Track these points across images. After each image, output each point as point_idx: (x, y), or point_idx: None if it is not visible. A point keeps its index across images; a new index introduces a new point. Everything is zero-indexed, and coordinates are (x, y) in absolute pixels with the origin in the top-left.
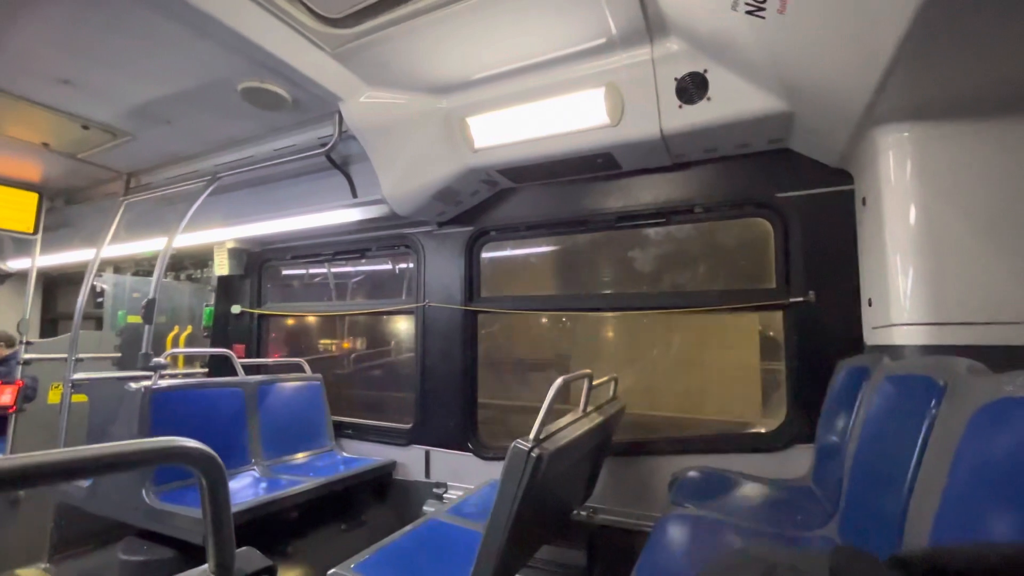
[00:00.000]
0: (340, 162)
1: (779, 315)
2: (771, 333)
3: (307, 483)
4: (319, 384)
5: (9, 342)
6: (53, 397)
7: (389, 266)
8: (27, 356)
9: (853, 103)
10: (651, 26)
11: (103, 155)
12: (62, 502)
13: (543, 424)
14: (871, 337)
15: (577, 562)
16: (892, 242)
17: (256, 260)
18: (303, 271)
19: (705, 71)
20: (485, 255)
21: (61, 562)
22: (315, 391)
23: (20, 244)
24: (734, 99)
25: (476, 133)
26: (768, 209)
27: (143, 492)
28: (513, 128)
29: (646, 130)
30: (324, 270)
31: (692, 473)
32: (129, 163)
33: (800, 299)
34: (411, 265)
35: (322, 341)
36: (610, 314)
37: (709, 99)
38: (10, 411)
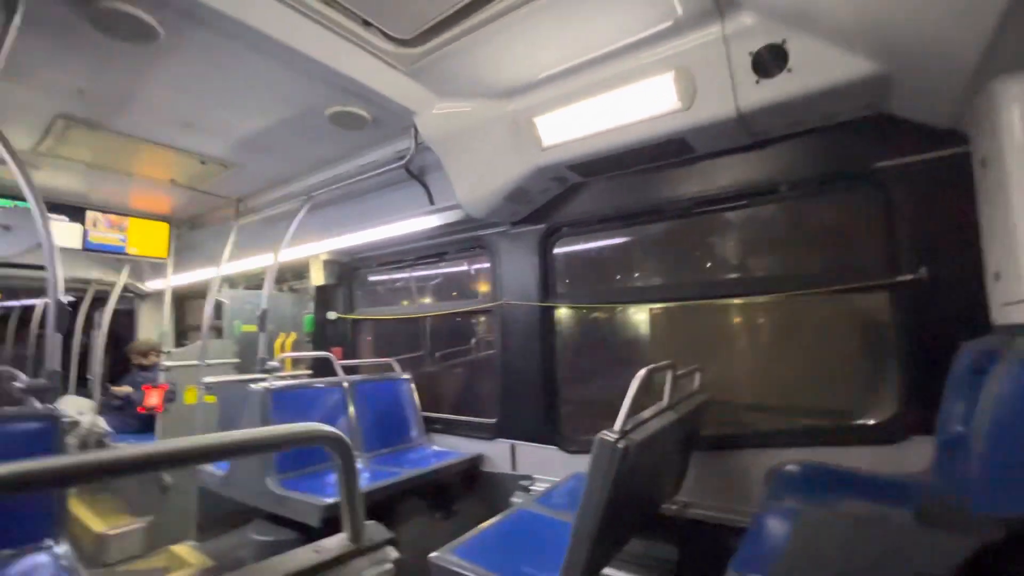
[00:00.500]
0: (417, 172)
1: (884, 296)
2: (875, 316)
3: (404, 473)
4: (408, 382)
5: (156, 350)
6: (188, 398)
7: (466, 267)
8: (167, 363)
9: (965, 53)
10: (721, 2)
11: (217, 185)
12: (202, 488)
13: (628, 416)
14: (1001, 315)
15: (668, 556)
16: (1021, 206)
17: (347, 269)
18: (388, 276)
19: (784, 41)
20: (559, 251)
21: (205, 540)
22: (405, 388)
23: (155, 267)
24: (819, 67)
25: (544, 132)
26: (866, 181)
27: (267, 480)
28: (580, 123)
29: (721, 110)
30: (406, 275)
31: (791, 467)
32: (238, 190)
33: (910, 277)
34: (487, 265)
35: (407, 341)
36: (691, 304)
37: (790, 70)
38: (158, 411)
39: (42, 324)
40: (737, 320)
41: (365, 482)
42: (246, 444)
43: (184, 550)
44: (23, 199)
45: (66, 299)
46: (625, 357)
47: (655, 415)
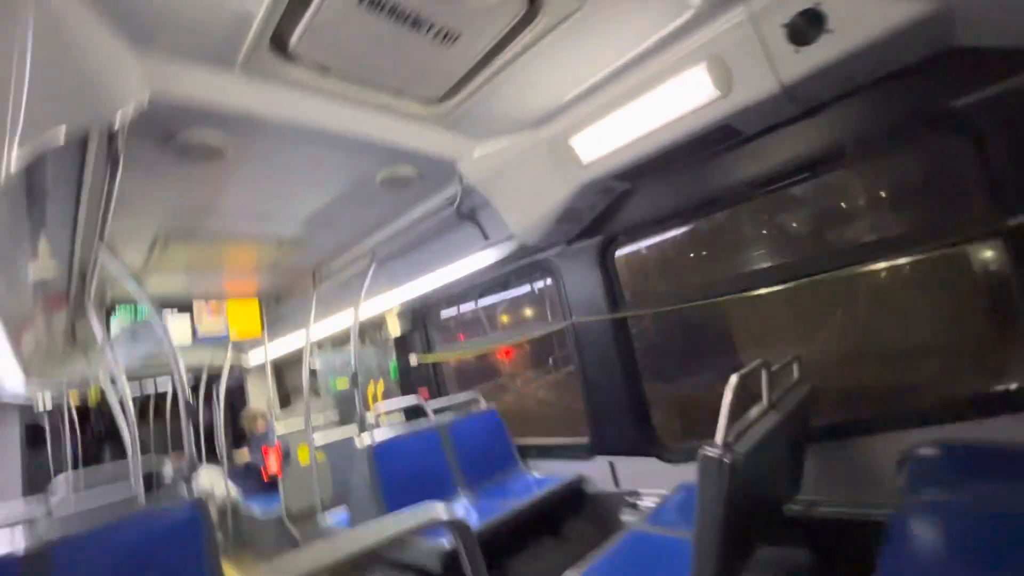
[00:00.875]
0: (468, 213)
1: (997, 245)
2: (989, 269)
3: (510, 505)
4: (495, 413)
5: (264, 416)
6: (302, 458)
7: (529, 288)
8: (279, 430)
9: None
10: None
11: (294, 261)
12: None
13: (728, 425)
14: None
15: (800, 559)
16: None
17: (419, 314)
18: (456, 310)
19: (818, 3)
20: (621, 254)
21: None
22: (494, 419)
23: (254, 342)
24: (864, 21)
25: (581, 150)
26: (945, 124)
27: None
28: (618, 133)
29: (763, 88)
30: (473, 306)
31: (927, 450)
32: (312, 261)
33: None
34: (549, 282)
35: (487, 369)
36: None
37: (830, 32)
38: (278, 476)
39: (171, 408)
40: (829, 299)
41: (474, 521)
42: (380, 543)
43: None
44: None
45: (188, 388)
46: (715, 353)
47: (758, 419)
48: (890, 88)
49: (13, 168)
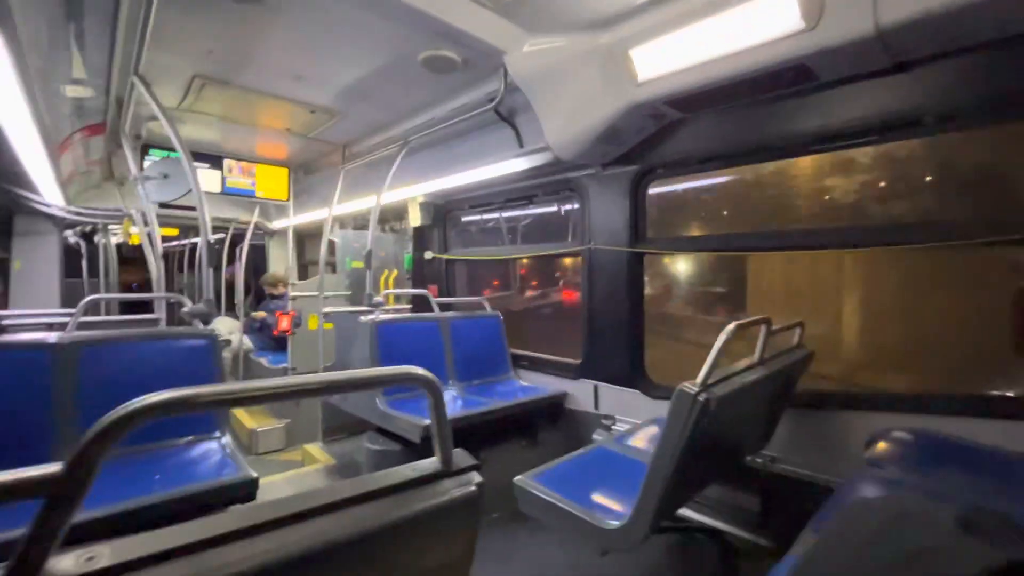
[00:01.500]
0: (507, 114)
1: None
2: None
3: (493, 404)
4: (498, 319)
5: (285, 282)
6: (311, 324)
7: (555, 208)
8: (293, 294)
9: None
10: None
11: (325, 132)
12: (325, 402)
13: (711, 369)
14: None
15: (749, 506)
16: None
17: (441, 211)
18: (479, 217)
19: None
20: (652, 191)
21: (329, 443)
22: (495, 326)
23: (279, 208)
24: None
25: (640, 65)
26: None
27: (376, 400)
28: (682, 53)
29: (856, 28)
30: (496, 216)
31: (899, 433)
32: (344, 136)
33: None
34: (575, 207)
35: (496, 281)
36: (798, 255)
37: None
38: (288, 334)
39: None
40: (853, 271)
41: (457, 409)
42: (358, 381)
43: (314, 448)
44: (174, 151)
45: (213, 238)
46: (721, 307)
47: (743, 370)
48: (993, 57)
49: None
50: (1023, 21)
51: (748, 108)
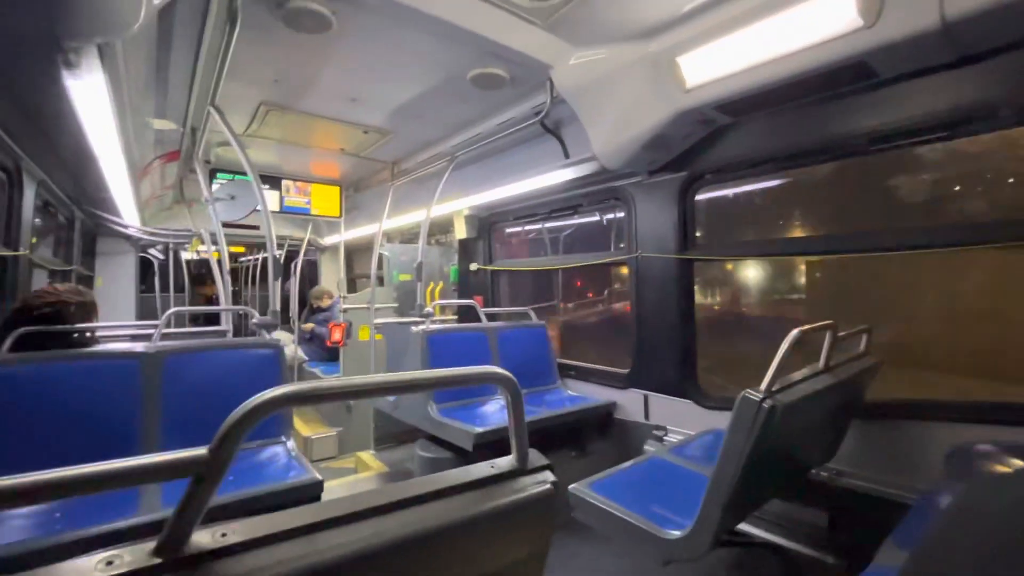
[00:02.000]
0: (552, 127)
1: None
2: None
3: (541, 413)
4: (544, 330)
5: (330, 295)
6: (362, 335)
7: (598, 218)
8: (344, 306)
9: None
10: None
11: (376, 151)
12: (377, 409)
13: (776, 375)
14: None
15: (816, 521)
16: None
17: (486, 223)
18: (524, 228)
19: None
20: (700, 197)
21: (381, 450)
22: (541, 335)
23: (331, 225)
24: None
25: (688, 72)
26: None
27: (428, 408)
28: (732, 57)
29: (919, 22)
30: (540, 227)
31: (984, 446)
32: (393, 154)
33: None
34: (620, 215)
35: (542, 291)
36: (865, 257)
37: None
38: (340, 345)
39: (263, 271)
40: (920, 275)
41: (506, 419)
42: (443, 379)
43: (366, 456)
44: (240, 173)
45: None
46: (781, 315)
47: (808, 377)
48: None
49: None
50: None
51: (801, 109)
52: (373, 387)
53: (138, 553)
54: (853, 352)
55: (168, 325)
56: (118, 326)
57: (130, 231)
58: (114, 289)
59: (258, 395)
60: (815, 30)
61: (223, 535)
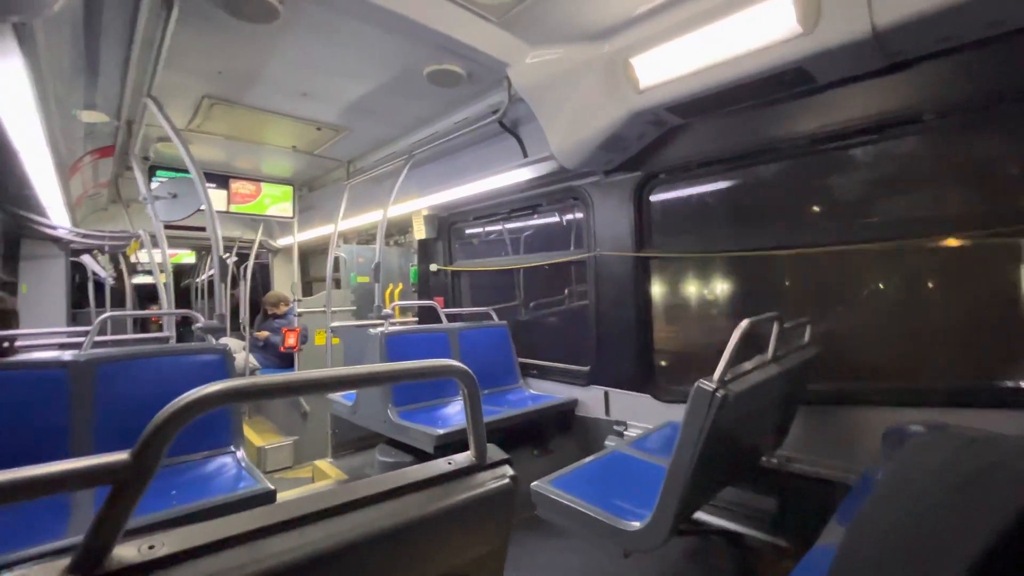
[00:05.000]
0: (510, 125)
1: None
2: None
3: (504, 412)
4: (505, 329)
5: (286, 301)
6: (318, 340)
7: (557, 218)
8: (299, 310)
9: None
10: None
11: (331, 149)
12: (334, 415)
13: (728, 366)
14: None
15: (767, 507)
16: None
17: (445, 223)
18: (484, 229)
19: None
20: (655, 198)
21: (339, 458)
22: (503, 335)
23: (283, 226)
24: None
25: (641, 73)
26: None
27: (388, 411)
28: (682, 60)
29: (852, 30)
30: (500, 227)
31: (916, 427)
32: (348, 152)
33: None
34: (579, 215)
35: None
36: (803, 254)
37: None
38: (296, 350)
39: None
40: (857, 269)
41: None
42: (397, 373)
43: (324, 464)
44: (183, 170)
45: (224, 256)
46: (730, 310)
47: (757, 367)
48: (991, 53)
49: None
50: (1011, 20)
51: (748, 112)
52: (318, 382)
53: (50, 571)
54: (797, 343)
55: (103, 333)
56: (45, 334)
57: (59, 233)
58: (42, 296)
59: (188, 392)
60: (758, 35)
61: (151, 547)
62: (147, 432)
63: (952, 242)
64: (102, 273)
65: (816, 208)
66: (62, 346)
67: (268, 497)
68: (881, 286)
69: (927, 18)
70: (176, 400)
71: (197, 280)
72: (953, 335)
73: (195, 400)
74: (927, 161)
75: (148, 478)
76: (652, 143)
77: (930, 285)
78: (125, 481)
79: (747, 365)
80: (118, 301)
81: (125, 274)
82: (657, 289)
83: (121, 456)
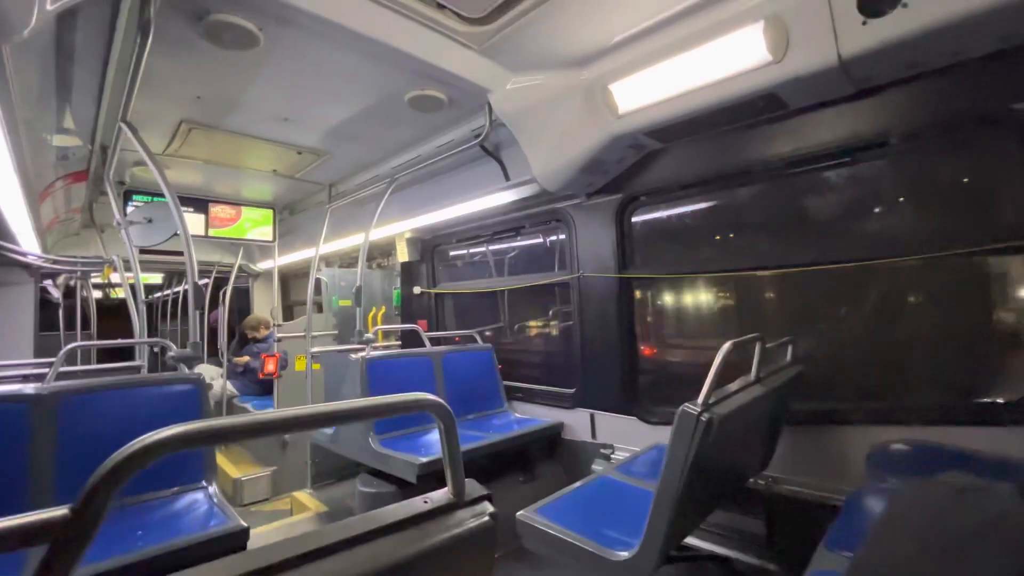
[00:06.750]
0: (492, 149)
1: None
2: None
3: (489, 438)
4: (490, 353)
5: (266, 324)
6: (299, 365)
7: (541, 239)
8: (279, 335)
9: None
10: None
11: (312, 172)
12: (314, 444)
13: (712, 388)
14: None
15: (755, 530)
16: None
17: (428, 246)
18: (467, 251)
19: None
20: (636, 219)
21: (319, 488)
22: (487, 358)
23: (263, 250)
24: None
25: (620, 98)
26: (1000, 127)
27: (369, 439)
28: (659, 86)
29: (819, 59)
30: (483, 249)
31: (898, 446)
32: (330, 176)
33: None
34: (562, 237)
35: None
36: (784, 273)
37: (905, 5)
38: (275, 376)
39: (185, 304)
40: (837, 288)
41: None
42: (366, 410)
43: (303, 496)
44: (160, 195)
45: (201, 282)
46: (712, 330)
47: (741, 388)
48: (951, 80)
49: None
50: (970, 50)
51: (724, 136)
52: (282, 422)
53: None
54: (780, 363)
55: (70, 363)
56: (9, 365)
57: (29, 259)
58: (8, 325)
59: (136, 440)
60: (731, 63)
61: None
62: (90, 484)
63: (916, 261)
64: (55, 293)
65: (795, 228)
66: (25, 378)
67: (241, 536)
68: (861, 305)
69: (891, 48)
70: (121, 450)
71: (157, 295)
72: (933, 353)
73: (145, 447)
74: (899, 182)
75: (91, 535)
76: (632, 166)
77: (910, 301)
78: (64, 540)
79: (732, 387)
80: (88, 322)
81: (90, 297)
82: (640, 310)
83: (60, 512)
